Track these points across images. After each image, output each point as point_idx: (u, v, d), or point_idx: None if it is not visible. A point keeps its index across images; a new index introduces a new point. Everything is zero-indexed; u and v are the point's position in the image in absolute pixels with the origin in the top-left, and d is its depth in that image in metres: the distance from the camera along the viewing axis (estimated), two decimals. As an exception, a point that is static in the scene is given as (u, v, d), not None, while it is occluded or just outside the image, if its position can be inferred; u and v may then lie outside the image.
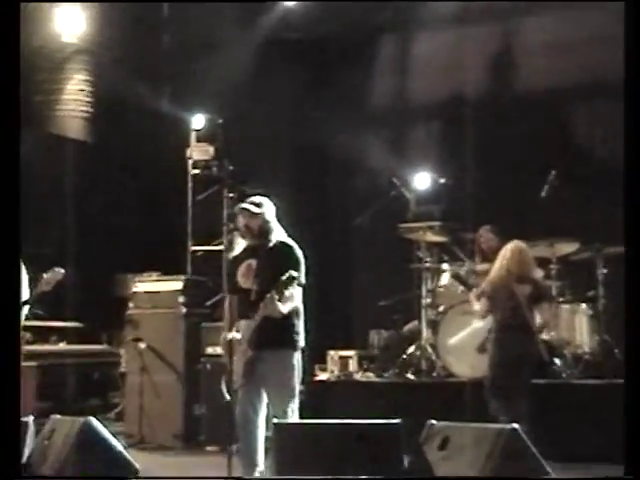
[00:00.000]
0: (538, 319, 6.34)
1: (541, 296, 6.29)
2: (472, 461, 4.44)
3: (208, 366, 7.23)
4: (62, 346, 8.63)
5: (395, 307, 8.05)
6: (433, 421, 4.67)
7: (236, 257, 5.29)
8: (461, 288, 7.25)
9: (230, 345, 4.95)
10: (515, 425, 4.45)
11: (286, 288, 4.69)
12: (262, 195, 5.08)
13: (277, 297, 4.65)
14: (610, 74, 7.64)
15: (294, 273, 4.75)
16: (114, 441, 5.19)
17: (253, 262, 5.03)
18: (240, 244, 5.53)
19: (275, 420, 4.80)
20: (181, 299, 7.70)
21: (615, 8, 6.86)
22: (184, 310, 7.56)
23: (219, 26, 9.04)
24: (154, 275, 8.06)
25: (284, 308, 4.71)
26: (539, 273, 6.62)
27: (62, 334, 8.57)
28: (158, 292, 7.87)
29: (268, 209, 4.97)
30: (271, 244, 5.00)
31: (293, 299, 4.85)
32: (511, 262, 6.17)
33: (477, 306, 6.64)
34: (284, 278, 4.67)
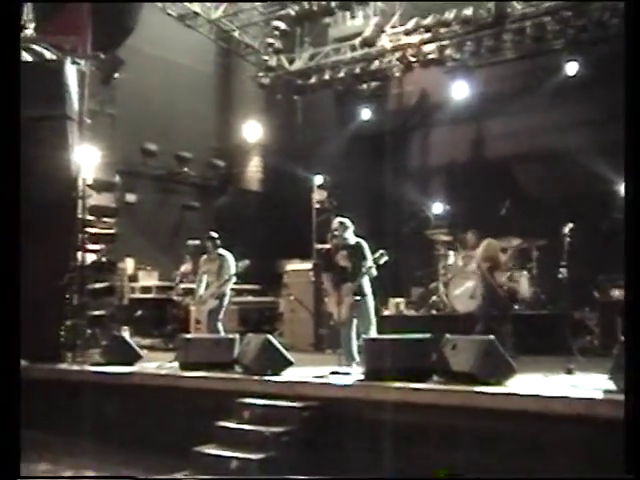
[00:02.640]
0: (501, 280, 9.08)
1: (497, 267, 9.03)
2: (469, 356, 6.31)
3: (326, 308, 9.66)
4: (250, 298, 13.07)
5: (425, 275, 12.33)
6: (448, 335, 6.74)
7: (333, 250, 8.00)
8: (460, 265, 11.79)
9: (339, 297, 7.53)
10: (492, 337, 6.34)
11: (378, 261, 7.37)
12: (347, 217, 8.14)
13: (370, 268, 7.41)
14: (544, 147, 12.50)
15: (384, 254, 7.30)
16: (280, 346, 7.67)
17: (343, 252, 7.85)
18: (332, 243, 8.20)
19: (364, 336, 7.42)
20: (310, 273, 11.69)
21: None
22: (312, 279, 11.60)
23: (328, 122, 14.68)
24: (297, 260, 12.36)
25: (374, 273, 7.58)
26: (503, 257, 9.61)
27: (250, 292, 13.21)
28: (299, 270, 12.00)
29: (350, 224, 7.95)
30: (353, 242, 7.90)
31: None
32: (484, 250, 9.15)
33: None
34: (377, 255, 7.34)
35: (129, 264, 12.87)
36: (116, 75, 10.75)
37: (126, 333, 11.46)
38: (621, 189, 11.61)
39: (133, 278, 12.99)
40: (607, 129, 11.67)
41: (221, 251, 10.03)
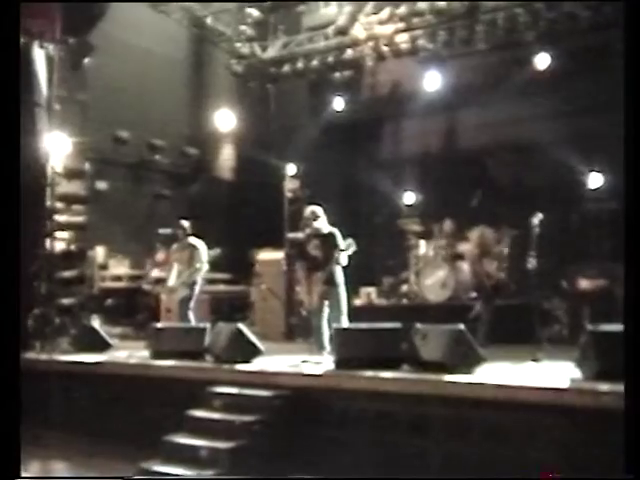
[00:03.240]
0: (490, 270, 9.27)
1: (487, 255, 9.31)
2: (439, 345, 6.43)
3: (297, 296, 10.77)
4: (221, 287, 13.25)
5: (396, 265, 12.37)
6: (418, 325, 6.80)
7: (305, 239, 8.01)
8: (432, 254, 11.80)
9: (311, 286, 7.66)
10: (461, 326, 6.40)
11: (347, 250, 7.49)
12: (320, 207, 8.07)
13: (339, 257, 7.49)
14: (516, 138, 12.53)
15: (352, 243, 7.35)
16: (251, 335, 7.77)
17: (315, 241, 7.87)
18: (305, 232, 8.14)
19: (335, 325, 7.43)
20: (282, 263, 11.69)
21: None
22: (284, 268, 11.62)
23: (301, 111, 14.64)
24: (269, 250, 12.17)
25: (344, 261, 7.65)
26: (496, 247, 9.75)
27: (221, 281, 13.31)
28: (271, 259, 11.99)
29: (323, 213, 7.99)
30: (325, 231, 7.92)
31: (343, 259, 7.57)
32: (478, 237, 9.45)
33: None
34: (346, 245, 7.42)
35: (99, 252, 12.75)
36: (86, 60, 10.56)
37: (96, 322, 11.38)
38: (590, 180, 11.87)
39: (103, 266, 12.85)
40: (578, 121, 11.86)
41: (192, 240, 10.01)
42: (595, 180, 11.65)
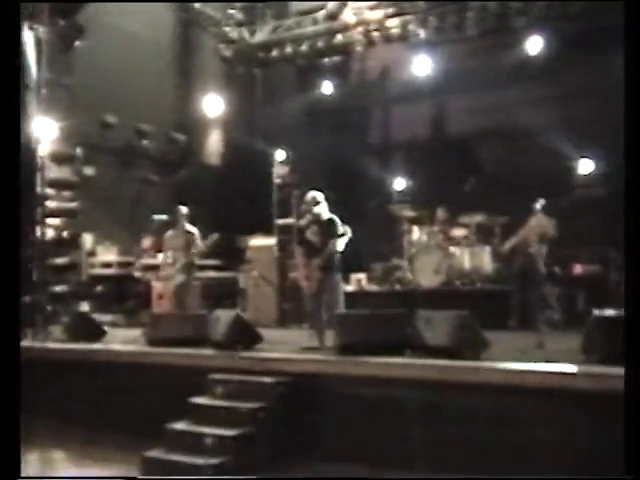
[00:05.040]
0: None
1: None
2: (444, 331, 6.40)
3: (290, 283, 10.88)
4: (211, 273, 12.97)
5: (388, 251, 12.35)
6: (422, 311, 6.80)
7: (305, 225, 7.97)
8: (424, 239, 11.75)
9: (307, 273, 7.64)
10: (466, 312, 6.41)
11: (341, 236, 7.57)
12: (317, 191, 8.00)
13: (336, 243, 7.53)
14: (506, 124, 12.68)
15: (348, 230, 7.44)
16: (250, 322, 7.87)
17: (315, 227, 7.84)
18: (306, 218, 8.11)
19: (337, 311, 7.45)
20: (274, 249, 11.71)
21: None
22: (276, 254, 11.64)
23: (289, 96, 14.55)
24: (260, 236, 12.09)
25: (341, 247, 7.67)
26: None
27: (211, 267, 13.04)
28: (263, 245, 11.92)
29: (323, 199, 7.89)
30: (325, 217, 7.84)
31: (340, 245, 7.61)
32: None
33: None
34: (341, 232, 7.46)
35: (87, 239, 12.58)
36: (77, 43, 10.37)
37: (85, 309, 11.28)
38: (581, 165, 11.97)
39: (91, 253, 12.69)
40: (569, 106, 11.92)
41: (188, 226, 9.92)
42: (587, 165, 11.71)
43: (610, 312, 5.96)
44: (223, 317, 7.83)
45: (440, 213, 11.83)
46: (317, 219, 7.93)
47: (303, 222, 8.11)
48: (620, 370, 5.12)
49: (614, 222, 5.63)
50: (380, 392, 6.38)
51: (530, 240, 9.29)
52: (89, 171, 12.80)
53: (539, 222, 9.64)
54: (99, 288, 12.12)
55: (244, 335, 7.65)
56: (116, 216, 13.20)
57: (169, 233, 10.02)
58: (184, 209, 9.93)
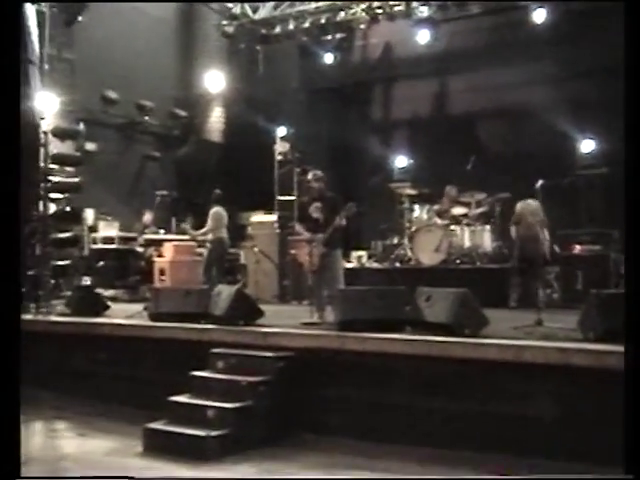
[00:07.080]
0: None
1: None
2: (444, 307, 6.41)
3: (290, 259, 11.07)
4: None
5: (389, 228, 12.27)
6: (423, 288, 6.76)
7: (307, 201, 8.11)
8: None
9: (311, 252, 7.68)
10: (466, 290, 6.42)
11: (348, 214, 7.49)
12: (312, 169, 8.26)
13: (341, 220, 7.51)
14: (508, 103, 12.73)
15: (353, 206, 7.36)
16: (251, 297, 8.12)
17: (318, 204, 7.85)
18: (309, 194, 8.23)
19: (338, 287, 7.56)
20: (275, 225, 11.95)
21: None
22: (277, 230, 11.84)
23: (291, 73, 14.53)
24: (261, 212, 12.48)
25: (344, 223, 7.60)
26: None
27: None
28: (264, 221, 12.18)
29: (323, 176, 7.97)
30: (329, 194, 7.90)
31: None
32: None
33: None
34: (347, 207, 7.41)
35: (89, 214, 12.65)
36: (80, 18, 10.35)
37: (87, 284, 11.35)
38: (583, 145, 11.94)
39: (93, 228, 12.75)
40: (571, 86, 11.88)
41: (216, 207, 10.94)
42: (589, 145, 11.68)
43: (609, 290, 5.95)
44: (225, 292, 7.89)
45: (450, 190, 11.73)
46: (321, 195, 7.94)
47: (305, 199, 8.15)
48: (616, 347, 5.24)
49: (615, 202, 5.63)
50: (379, 367, 6.44)
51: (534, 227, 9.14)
52: (91, 146, 12.82)
53: (527, 207, 9.50)
54: (101, 263, 12.17)
55: (245, 310, 7.70)
56: (118, 191, 13.24)
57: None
58: (218, 191, 10.94)
